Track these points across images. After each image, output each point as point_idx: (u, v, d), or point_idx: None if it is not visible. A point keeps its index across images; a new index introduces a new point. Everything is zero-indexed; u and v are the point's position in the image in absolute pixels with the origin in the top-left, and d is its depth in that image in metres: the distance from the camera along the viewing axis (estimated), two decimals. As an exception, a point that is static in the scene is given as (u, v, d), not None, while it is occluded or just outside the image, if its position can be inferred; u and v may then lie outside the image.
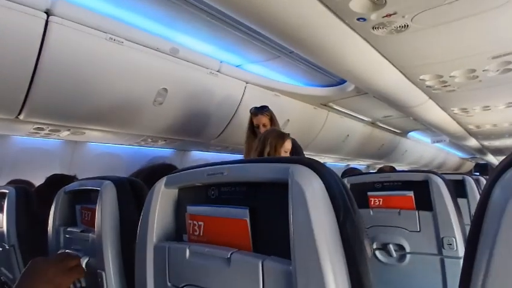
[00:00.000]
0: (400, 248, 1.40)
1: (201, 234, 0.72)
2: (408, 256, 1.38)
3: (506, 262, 0.35)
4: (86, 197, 1.16)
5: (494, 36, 1.46)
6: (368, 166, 6.61)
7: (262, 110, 2.43)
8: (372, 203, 1.49)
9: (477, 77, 1.90)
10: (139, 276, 0.81)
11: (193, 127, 2.91)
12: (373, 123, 4.74)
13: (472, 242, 0.41)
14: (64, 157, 3.12)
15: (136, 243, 0.83)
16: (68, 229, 1.17)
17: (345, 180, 1.58)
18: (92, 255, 1.03)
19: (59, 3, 1.70)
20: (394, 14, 1.20)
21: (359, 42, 1.49)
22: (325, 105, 3.82)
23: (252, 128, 2.48)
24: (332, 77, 3.21)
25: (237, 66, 2.99)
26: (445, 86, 2.09)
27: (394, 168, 3.11)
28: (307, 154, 3.97)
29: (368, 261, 0.58)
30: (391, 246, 1.41)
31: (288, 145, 1.93)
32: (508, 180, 0.37)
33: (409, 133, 5.64)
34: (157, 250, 0.78)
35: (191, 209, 0.75)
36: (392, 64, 1.74)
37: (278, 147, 1.87)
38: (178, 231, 0.83)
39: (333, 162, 5.62)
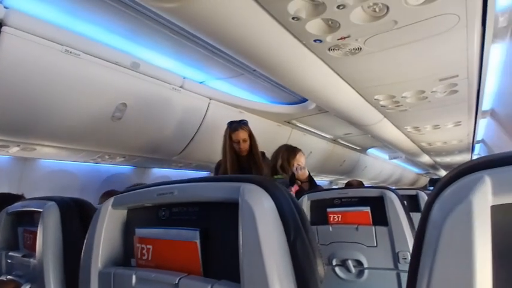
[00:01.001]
0: (359, 263, 1.42)
1: (150, 258, 0.68)
2: (366, 271, 1.40)
3: (445, 273, 0.36)
4: (29, 219, 1.08)
5: (440, 60, 1.56)
6: (331, 182, 6.76)
7: (241, 124, 2.28)
8: (331, 219, 1.50)
9: (426, 97, 2.03)
10: (83, 305, 0.74)
11: (154, 143, 2.82)
12: (334, 140, 4.89)
13: (416, 256, 0.41)
14: (13, 174, 2.89)
15: (79, 269, 0.77)
16: (10, 253, 1.07)
17: (306, 197, 1.59)
18: (34, 282, 0.95)
19: (13, 14, 1.61)
20: (348, 37, 1.25)
21: (317, 63, 1.54)
22: (289, 123, 3.88)
23: (231, 144, 2.30)
24: (295, 95, 3.29)
25: (200, 83, 2.97)
26: (397, 106, 2.21)
27: (361, 182, 3.16)
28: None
29: (319, 282, 0.57)
30: (349, 262, 1.42)
31: (300, 158, 1.91)
32: (446, 198, 0.39)
33: (368, 150, 5.87)
34: (102, 276, 0.72)
35: (140, 231, 0.71)
36: (349, 84, 1.81)
37: (291, 159, 1.85)
38: (126, 256, 0.78)
39: (297, 178, 5.68)
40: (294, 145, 4.21)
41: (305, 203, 1.55)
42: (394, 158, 6.10)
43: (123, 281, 0.68)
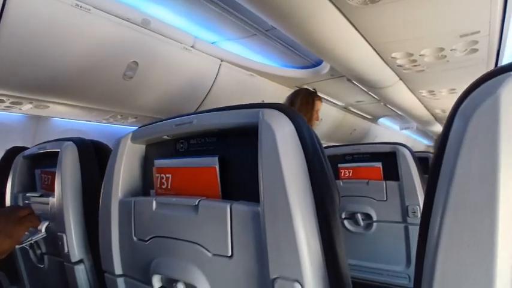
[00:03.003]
0: (367, 217, 1.44)
1: (169, 187, 0.70)
2: (375, 224, 1.43)
3: (464, 190, 0.35)
4: (46, 161, 1.11)
5: (463, 13, 1.49)
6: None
7: None
8: (342, 174, 1.52)
9: (445, 56, 1.96)
10: (104, 232, 0.78)
11: (166, 104, 2.83)
12: (345, 108, 4.82)
13: (432, 183, 0.40)
14: (27, 133, 2.95)
15: (100, 199, 0.80)
16: (27, 194, 1.11)
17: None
18: (52, 219, 0.99)
19: (20, -33, 1.58)
20: (369, -18, 1.20)
21: (335, 14, 1.48)
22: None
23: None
24: (308, 59, 3.22)
25: (211, 43, 2.92)
26: (415, 66, 2.14)
27: None
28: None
29: (336, 206, 0.58)
30: (358, 216, 1.45)
31: (319, 105, 1.85)
32: (466, 106, 0.38)
33: (379, 119, 5.80)
34: (122, 205, 0.75)
35: (159, 162, 0.73)
36: (366, 40, 1.76)
37: (310, 106, 1.79)
38: (145, 188, 0.80)
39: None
40: (305, 111, 4.14)
41: (316, 159, 1.56)
42: (405, 128, 6.02)
43: (143, 207, 0.71)
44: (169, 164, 0.70)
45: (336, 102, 4.48)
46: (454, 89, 2.83)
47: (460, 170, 0.36)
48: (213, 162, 0.62)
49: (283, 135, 0.53)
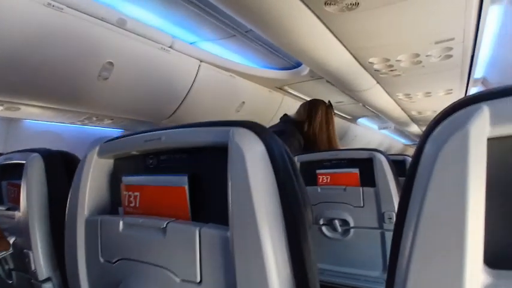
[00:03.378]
0: (345, 223, 1.45)
1: (137, 205, 0.67)
2: (352, 230, 1.44)
3: (436, 207, 0.36)
4: (13, 172, 1.05)
5: (438, 20, 1.52)
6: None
7: None
8: (320, 180, 1.52)
9: (420, 62, 2.00)
10: (70, 253, 0.74)
11: (143, 105, 2.76)
12: (326, 109, 4.86)
13: (404, 196, 0.41)
14: (-3, 136, 2.82)
15: (65, 217, 0.76)
16: (-7, 207, 1.05)
17: (295, 159, 1.60)
18: (19, 235, 0.94)
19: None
20: (346, -10, 1.20)
21: (312, 20, 1.48)
22: (281, 89, 3.83)
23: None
24: (287, 60, 3.22)
25: (190, 44, 2.87)
26: (391, 70, 2.18)
27: None
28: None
29: (308, 226, 0.57)
30: (336, 222, 1.45)
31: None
32: (441, 129, 0.38)
33: (359, 119, 5.89)
34: (88, 224, 0.72)
35: (127, 179, 0.69)
36: (343, 45, 1.76)
37: (330, 121, 1.71)
38: (113, 205, 0.77)
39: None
40: (286, 112, 4.20)
41: (295, 164, 1.55)
42: (384, 128, 6.15)
43: (110, 227, 0.67)
44: (137, 181, 0.67)
45: (316, 103, 4.51)
46: (429, 93, 2.90)
47: (431, 192, 0.37)
48: (183, 181, 0.59)
49: (253, 156, 0.52)
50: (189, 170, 0.62)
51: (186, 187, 0.59)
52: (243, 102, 3.50)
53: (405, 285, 0.37)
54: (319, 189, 1.51)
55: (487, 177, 0.35)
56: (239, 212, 0.50)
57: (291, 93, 3.98)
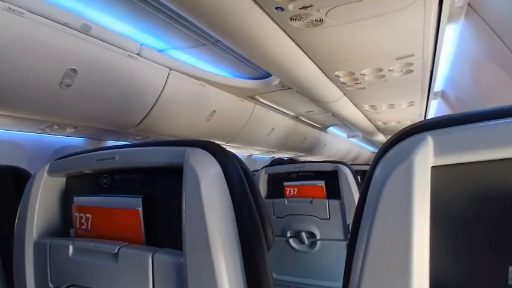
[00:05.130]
0: (312, 235, 1.46)
1: (89, 228, 0.63)
2: (318, 243, 1.45)
3: (384, 232, 0.37)
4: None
5: (399, 38, 1.59)
6: (291, 159, 6.90)
7: None
8: (288, 192, 1.52)
9: (384, 76, 2.07)
10: (18, 277, 0.69)
11: (108, 114, 2.66)
12: (296, 118, 4.94)
13: (357, 219, 0.41)
14: None
15: (13, 240, 0.71)
16: None
17: (263, 171, 1.60)
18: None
19: None
20: (310, 6, 1.22)
21: (279, 34, 1.50)
22: (252, 98, 3.84)
23: None
24: (258, 70, 3.23)
25: (159, 51, 2.81)
26: (356, 83, 2.24)
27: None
28: (233, 147, 3.97)
29: (265, 250, 0.56)
30: (303, 234, 1.46)
31: None
32: (388, 158, 0.39)
33: (329, 128, 6.02)
34: (37, 247, 0.67)
35: (78, 199, 0.66)
36: (310, 58, 1.80)
37: None
38: (64, 226, 0.72)
39: (260, 154, 5.74)
40: (257, 121, 4.20)
41: (262, 177, 1.55)
42: (352, 136, 6.32)
43: (59, 251, 0.63)
44: (89, 202, 0.64)
45: (287, 112, 4.57)
46: (393, 104, 3.01)
47: (379, 218, 0.38)
48: (137, 203, 0.57)
49: (208, 178, 0.50)
50: (144, 191, 0.59)
51: (140, 210, 0.56)
52: (214, 111, 3.47)
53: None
54: (286, 202, 1.51)
55: (431, 203, 0.36)
56: (192, 237, 0.49)
57: (262, 103, 4.00)
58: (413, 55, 1.77)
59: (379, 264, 0.37)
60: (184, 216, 0.50)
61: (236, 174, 0.54)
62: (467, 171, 0.36)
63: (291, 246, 1.50)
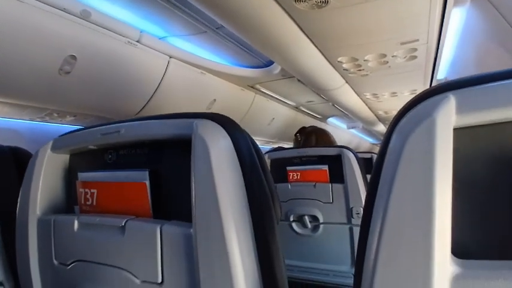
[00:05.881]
0: (314, 219, 1.46)
1: (94, 204, 0.62)
2: (321, 226, 1.45)
3: (403, 198, 0.35)
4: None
5: (404, 22, 1.57)
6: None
7: None
8: (291, 177, 1.52)
9: (387, 62, 2.05)
10: (21, 255, 0.68)
11: (108, 101, 2.64)
12: (297, 108, 4.92)
13: (372, 189, 0.40)
14: None
15: (16, 217, 0.70)
16: None
17: (266, 156, 1.59)
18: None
19: None
20: (316, -14, 1.20)
21: (283, 17, 1.47)
22: (253, 87, 3.81)
23: None
24: (259, 59, 3.20)
25: (159, 39, 2.78)
26: (359, 70, 2.22)
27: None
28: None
29: (275, 223, 0.55)
30: (306, 218, 1.46)
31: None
32: (408, 120, 0.37)
33: (328, 119, 6.00)
34: (41, 224, 0.66)
35: (83, 175, 0.65)
36: (314, 43, 1.77)
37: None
38: (69, 204, 0.72)
39: (260, 144, 5.73)
40: (257, 111, 4.19)
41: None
42: (352, 127, 6.31)
43: (64, 227, 0.62)
44: (94, 177, 0.63)
45: (288, 102, 4.55)
46: (395, 93, 2.99)
47: (397, 184, 0.36)
48: (143, 177, 0.56)
49: (218, 150, 0.49)
50: (150, 165, 0.58)
51: (147, 183, 0.55)
52: (214, 100, 3.45)
53: (373, 277, 0.36)
54: (289, 186, 1.51)
55: (453, 167, 0.35)
56: (203, 208, 0.48)
57: (263, 92, 3.97)
58: (417, 40, 1.75)
59: (398, 235, 0.36)
60: (193, 187, 0.49)
61: (246, 147, 0.52)
62: (490, 133, 0.35)
63: (294, 230, 1.50)
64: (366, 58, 1.96)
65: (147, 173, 0.56)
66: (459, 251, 0.35)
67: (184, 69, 2.97)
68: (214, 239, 0.46)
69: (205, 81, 3.20)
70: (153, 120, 0.56)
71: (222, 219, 0.46)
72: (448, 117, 0.34)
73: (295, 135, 2.12)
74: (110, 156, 0.65)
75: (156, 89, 2.91)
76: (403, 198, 0.35)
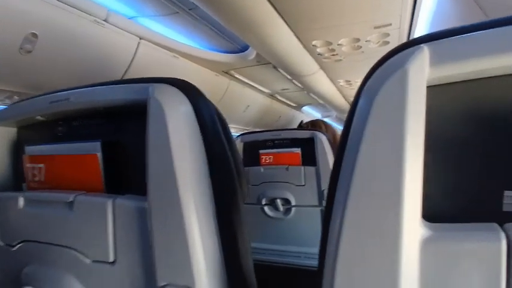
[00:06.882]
0: (287, 202, 1.45)
1: (43, 179, 0.57)
2: (293, 209, 1.44)
3: (371, 156, 0.33)
4: None
5: (377, 5, 1.56)
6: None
7: None
8: (263, 160, 1.49)
9: (360, 47, 2.06)
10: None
11: (74, 84, 2.49)
12: (272, 96, 4.90)
13: (339, 154, 0.37)
14: None
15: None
16: None
17: (239, 139, 1.56)
18: None
19: None
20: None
21: (255, -5, 1.43)
22: (227, 73, 3.74)
23: None
24: (234, 44, 3.13)
25: (129, 19, 2.64)
26: (333, 55, 2.22)
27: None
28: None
29: (240, 201, 0.52)
30: (278, 201, 1.45)
31: None
32: (374, 79, 0.35)
33: (303, 107, 6.03)
34: (-17, 204, 0.60)
35: (30, 149, 0.59)
36: (288, 25, 1.74)
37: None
38: (17, 181, 0.65)
39: (234, 132, 5.68)
40: (232, 97, 4.14)
41: (238, 145, 1.51)
42: (327, 116, 6.39)
43: (9, 205, 0.57)
44: (42, 151, 0.57)
45: (263, 89, 4.51)
46: (368, 80, 3.03)
47: (365, 143, 0.33)
48: (95, 148, 0.51)
49: (176, 116, 0.45)
50: (104, 136, 0.53)
51: (99, 154, 0.51)
52: (187, 85, 3.34)
53: (339, 240, 0.34)
54: (262, 169, 1.49)
55: (426, 125, 0.32)
56: (158, 180, 0.44)
57: (237, 79, 3.91)
58: (390, 24, 1.76)
59: (365, 197, 0.33)
60: (148, 156, 0.44)
61: (208, 115, 0.49)
62: (465, 90, 0.33)
63: (266, 214, 1.48)
64: (339, 42, 1.96)
65: (99, 143, 0.51)
66: (430, 215, 0.34)
67: (155, 51, 2.85)
68: (171, 213, 0.43)
69: (178, 66, 3.10)
70: (105, 86, 0.51)
71: (178, 189, 0.43)
72: (421, 69, 0.32)
73: (301, 125, 2.10)
74: (60, 128, 0.59)
75: (125, 72, 2.79)
76: (371, 158, 0.33)
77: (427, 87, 0.32)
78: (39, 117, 0.59)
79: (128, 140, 0.53)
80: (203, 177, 0.46)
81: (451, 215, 0.35)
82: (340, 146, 0.39)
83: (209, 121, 0.48)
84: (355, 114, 0.36)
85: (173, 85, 0.47)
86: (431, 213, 0.34)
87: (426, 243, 0.31)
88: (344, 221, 0.34)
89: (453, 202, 0.35)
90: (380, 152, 0.32)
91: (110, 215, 0.46)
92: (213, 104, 0.52)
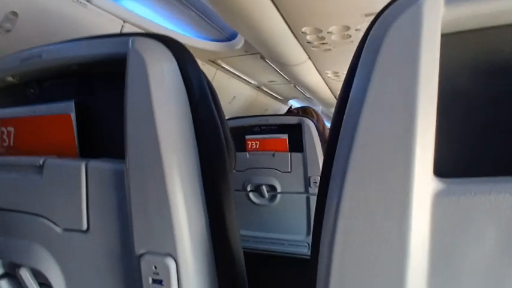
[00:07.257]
0: (272, 188, 1.42)
1: (12, 144, 0.52)
2: (279, 196, 1.42)
3: (380, 94, 0.30)
4: None
5: (368, -8, 1.54)
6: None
7: None
8: (249, 146, 1.46)
9: (350, 36, 2.04)
10: None
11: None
12: (258, 87, 4.86)
13: (345, 89, 0.34)
14: None
15: None
16: None
17: (224, 124, 1.51)
18: None
19: None
20: None
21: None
22: (214, 62, 3.67)
23: None
24: (222, 32, 3.07)
25: (113, 0, 2.55)
26: (322, 44, 2.20)
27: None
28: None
29: (228, 167, 0.49)
30: (263, 187, 1.42)
31: None
32: (385, 16, 0.32)
33: (290, 101, 6.02)
34: None
35: (-2, 112, 0.54)
36: (278, 10, 1.70)
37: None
38: (-17, 149, 0.60)
39: (220, 124, 5.64)
40: (218, 88, 4.03)
41: (223, 130, 1.47)
42: (313, 110, 6.40)
43: (-29, 173, 0.51)
44: (11, 113, 0.52)
45: (250, 81, 4.47)
46: (356, 72, 3.04)
47: (374, 83, 0.30)
48: (68, 108, 0.47)
49: (159, 71, 0.41)
50: (79, 96, 0.49)
51: (73, 115, 0.46)
52: (173, 72, 3.27)
53: (332, 246, 0.31)
54: (247, 155, 1.46)
55: (439, 76, 0.30)
56: (138, 139, 0.40)
57: (224, 68, 3.85)
58: (380, 13, 1.75)
59: (370, 154, 0.30)
60: (127, 115, 0.40)
61: (195, 73, 0.45)
62: (480, 39, 0.31)
63: (251, 201, 1.46)
64: (329, 30, 1.94)
65: (72, 103, 0.46)
66: (441, 170, 0.31)
67: (140, 36, 2.77)
68: (151, 176, 0.39)
69: (163, 52, 3.01)
70: (80, 41, 0.47)
71: (161, 152, 0.39)
72: (436, 7, 0.29)
73: (290, 110, 2.12)
74: (32, 90, 0.54)
75: (109, 56, 2.69)
76: (378, 112, 0.30)
77: (442, 35, 0.30)
78: (9, 79, 0.54)
79: (104, 101, 0.49)
80: (188, 139, 0.42)
81: (464, 170, 0.32)
82: (338, 110, 0.36)
83: (196, 81, 0.45)
84: (363, 51, 0.33)
85: (156, 39, 0.43)
86: (442, 169, 0.31)
87: (439, 198, 0.29)
88: (344, 186, 0.31)
89: (466, 156, 0.33)
90: (388, 104, 0.29)
91: (83, 179, 0.42)
92: (197, 64, 0.48)
